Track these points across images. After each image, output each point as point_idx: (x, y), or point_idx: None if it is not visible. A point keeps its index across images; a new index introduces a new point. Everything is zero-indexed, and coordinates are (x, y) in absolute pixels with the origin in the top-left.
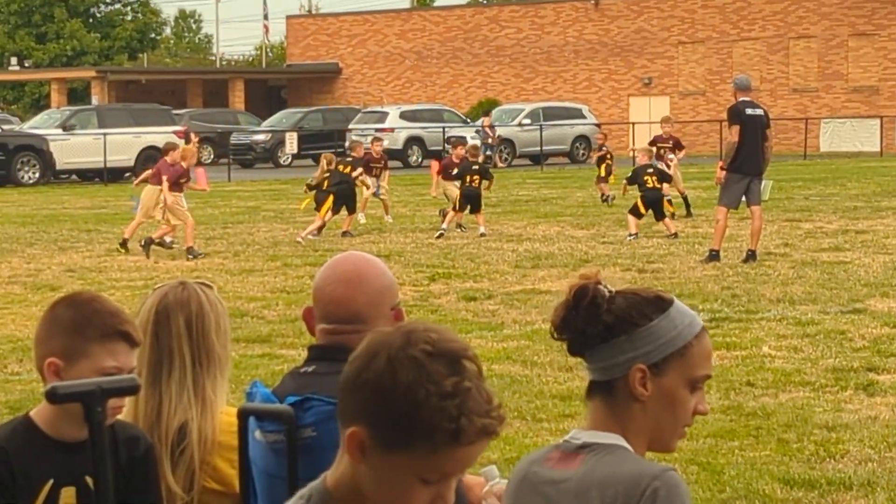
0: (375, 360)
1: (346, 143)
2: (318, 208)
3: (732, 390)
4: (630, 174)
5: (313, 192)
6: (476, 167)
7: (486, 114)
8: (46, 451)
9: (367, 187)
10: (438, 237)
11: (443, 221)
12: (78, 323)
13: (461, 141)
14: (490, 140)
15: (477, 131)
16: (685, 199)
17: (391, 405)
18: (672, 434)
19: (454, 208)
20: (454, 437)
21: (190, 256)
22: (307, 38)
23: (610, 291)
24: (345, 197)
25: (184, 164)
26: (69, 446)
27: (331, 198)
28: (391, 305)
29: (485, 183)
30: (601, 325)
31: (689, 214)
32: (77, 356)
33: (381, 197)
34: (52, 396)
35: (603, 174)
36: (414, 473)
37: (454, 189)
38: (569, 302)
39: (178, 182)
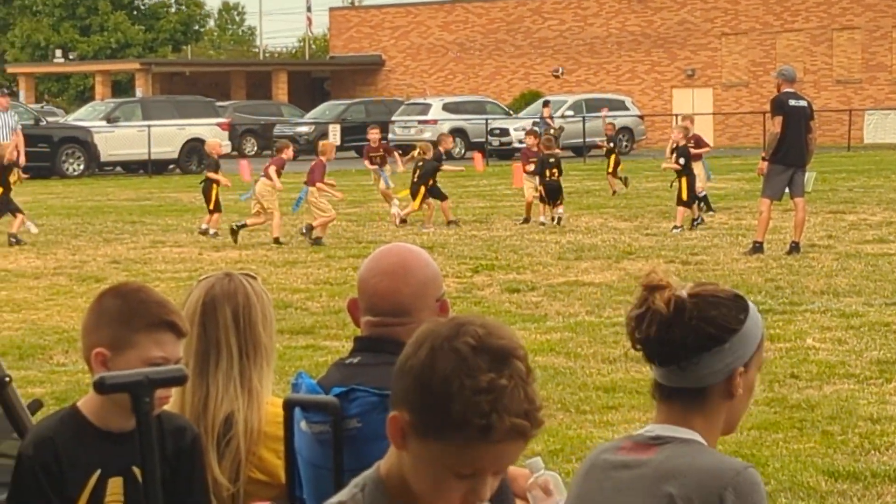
0: (421, 349)
1: (389, 135)
2: (413, 198)
3: (777, 382)
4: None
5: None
6: (552, 160)
7: (546, 104)
8: (93, 442)
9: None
10: (541, 224)
11: (540, 214)
12: (125, 313)
13: (534, 130)
14: (552, 131)
15: (535, 123)
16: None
17: (427, 394)
18: (741, 419)
19: (541, 200)
20: (483, 433)
21: (307, 238)
22: (350, 30)
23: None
24: (436, 190)
25: (323, 160)
26: (116, 437)
27: (423, 188)
28: (436, 297)
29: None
30: (704, 336)
31: (709, 209)
32: (124, 346)
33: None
34: (100, 387)
35: (611, 168)
36: (447, 465)
37: (530, 182)
38: (666, 316)
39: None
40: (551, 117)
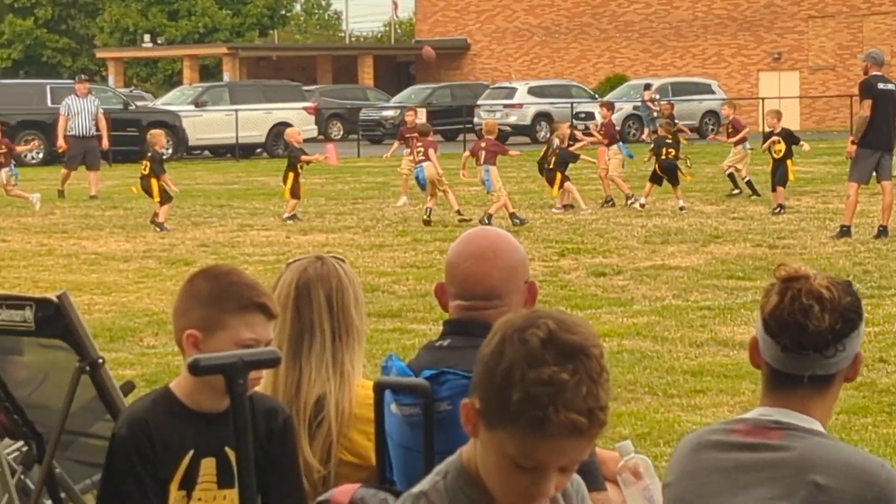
0: (494, 337)
1: (474, 118)
2: (550, 185)
3: (865, 367)
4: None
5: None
6: (669, 140)
7: (647, 88)
8: (186, 423)
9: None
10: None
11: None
12: (216, 295)
13: (607, 102)
14: (655, 114)
15: (636, 107)
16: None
17: (492, 381)
18: None
19: (651, 179)
20: (539, 425)
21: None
22: (435, 14)
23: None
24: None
25: (490, 138)
26: (209, 417)
27: (559, 175)
28: (524, 279)
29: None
30: (848, 322)
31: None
32: (215, 328)
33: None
34: (195, 368)
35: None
36: (509, 456)
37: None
38: (817, 305)
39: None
40: (653, 100)
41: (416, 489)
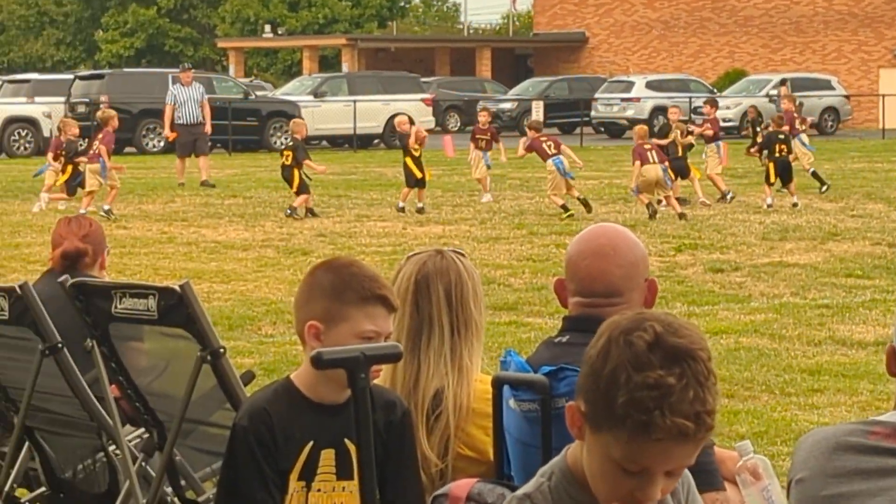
0: (600, 339)
1: (591, 112)
2: (684, 177)
3: None
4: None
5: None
6: (782, 136)
7: (783, 83)
8: (307, 414)
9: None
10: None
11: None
12: (337, 287)
13: (712, 100)
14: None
15: (772, 100)
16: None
17: (597, 384)
18: None
19: (766, 180)
20: (644, 429)
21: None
22: (554, 7)
23: None
24: (679, 170)
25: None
26: (329, 409)
27: (691, 166)
28: (644, 277)
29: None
30: None
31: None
32: (337, 319)
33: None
34: (317, 362)
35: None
36: (614, 459)
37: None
38: None
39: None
40: (788, 95)
41: (521, 491)
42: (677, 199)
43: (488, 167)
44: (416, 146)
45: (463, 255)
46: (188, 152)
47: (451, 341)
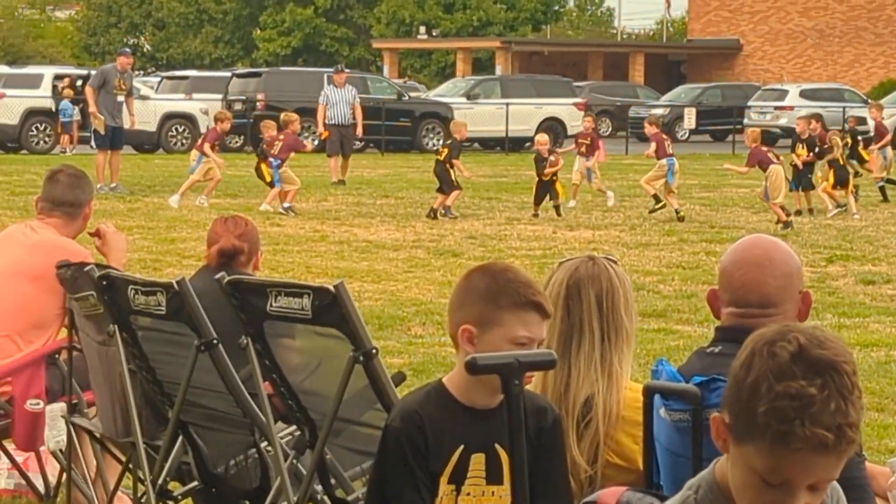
0: (745, 350)
1: (744, 119)
2: (844, 186)
3: None
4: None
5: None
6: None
7: None
8: (458, 417)
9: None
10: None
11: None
12: (492, 292)
13: (807, 117)
14: None
15: None
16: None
17: (739, 394)
18: None
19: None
20: (784, 440)
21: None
22: (709, 14)
23: None
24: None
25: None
26: (480, 413)
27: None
28: (799, 289)
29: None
30: None
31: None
32: (490, 324)
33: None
34: (472, 367)
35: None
36: (756, 470)
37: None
38: None
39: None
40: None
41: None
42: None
43: (585, 174)
44: (547, 173)
45: (615, 261)
46: (337, 151)
47: (601, 347)
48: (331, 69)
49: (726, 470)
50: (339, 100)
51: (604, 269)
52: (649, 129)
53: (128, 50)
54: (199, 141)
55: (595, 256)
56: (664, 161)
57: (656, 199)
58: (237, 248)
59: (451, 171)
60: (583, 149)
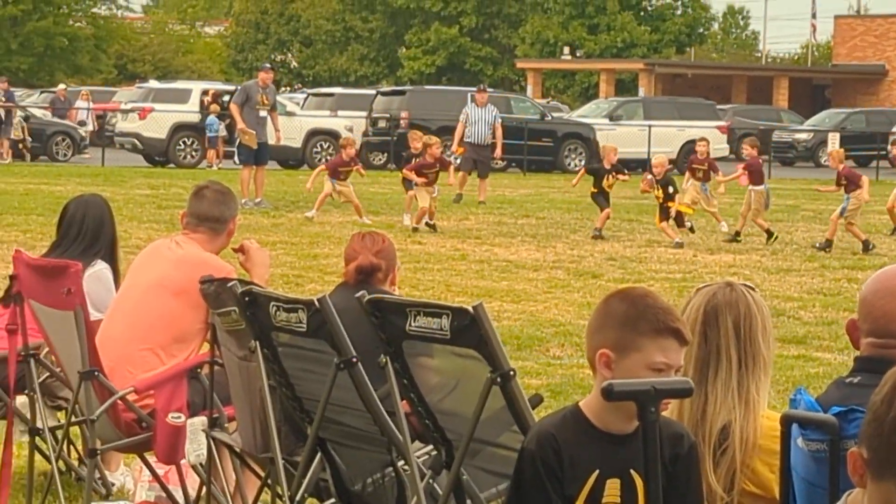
0: (885, 386)
1: (889, 145)
2: None
3: None
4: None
5: None
6: None
7: None
8: (594, 442)
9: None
10: None
11: None
12: (631, 317)
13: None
14: None
15: None
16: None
17: (879, 430)
18: None
19: None
20: None
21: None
22: (854, 39)
23: None
24: None
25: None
26: (615, 438)
27: None
28: None
29: None
30: None
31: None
32: (628, 350)
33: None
34: (608, 394)
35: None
36: None
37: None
38: None
39: None
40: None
41: None
42: None
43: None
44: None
45: (753, 288)
46: (469, 168)
47: (738, 375)
48: (474, 88)
49: (857, 501)
50: (478, 119)
51: (742, 295)
52: (749, 152)
53: (268, 65)
54: (325, 165)
55: (733, 283)
56: (761, 188)
57: (769, 233)
58: (374, 266)
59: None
60: (699, 174)
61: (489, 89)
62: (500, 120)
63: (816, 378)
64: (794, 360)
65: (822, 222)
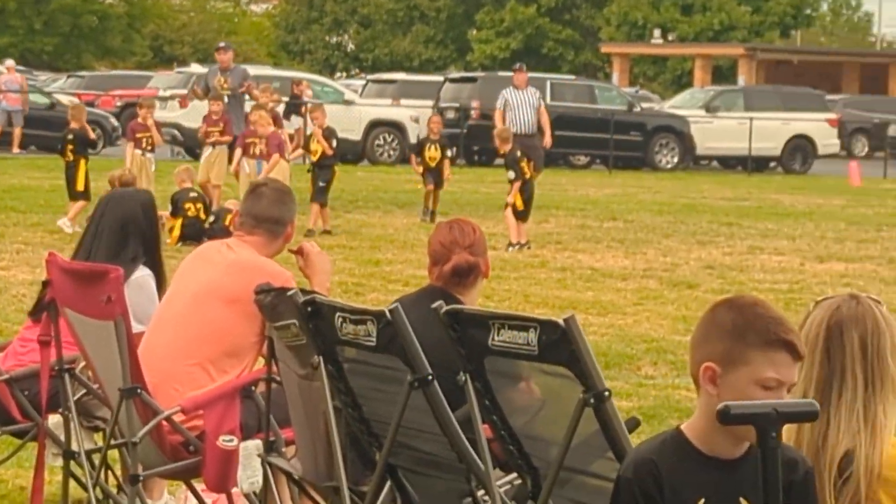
0: None
1: None
2: None
3: None
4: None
5: None
6: None
7: None
8: (699, 468)
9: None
10: None
11: None
12: (739, 327)
13: None
14: None
15: None
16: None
17: None
18: None
19: None
20: None
21: None
22: None
23: None
24: None
25: None
26: (722, 464)
27: None
28: None
29: None
30: None
31: None
32: (736, 363)
33: None
34: (724, 416)
35: None
36: None
37: None
38: None
39: None
40: None
41: None
42: None
43: None
44: None
45: (880, 301)
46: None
47: (864, 396)
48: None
49: None
50: (519, 103)
51: (869, 309)
52: None
53: (223, 44)
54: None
55: (859, 295)
56: None
57: None
58: (472, 266)
59: None
60: None
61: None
62: (543, 103)
63: None
64: None
65: None
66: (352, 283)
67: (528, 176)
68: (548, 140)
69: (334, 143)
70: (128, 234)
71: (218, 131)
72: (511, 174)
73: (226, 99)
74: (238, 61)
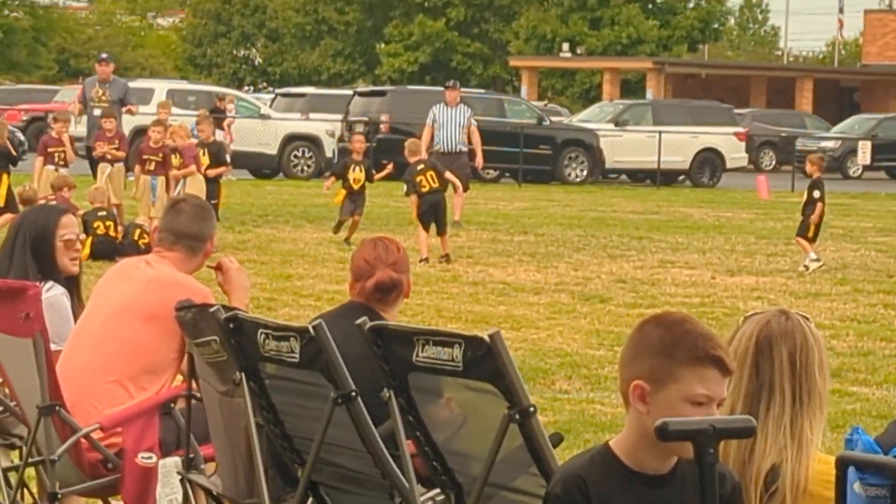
0: None
1: None
2: None
3: None
4: None
5: None
6: None
7: None
8: (625, 484)
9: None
10: None
11: None
12: (668, 344)
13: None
14: None
15: None
16: None
17: None
18: None
19: None
20: None
21: None
22: (886, 36)
23: None
24: None
25: None
26: (651, 479)
27: None
28: None
29: None
30: None
31: None
32: (665, 380)
33: None
34: (662, 433)
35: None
36: None
37: None
38: None
39: None
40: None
41: None
42: None
43: None
44: None
45: (808, 318)
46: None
47: (791, 411)
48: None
49: None
50: (448, 120)
51: (798, 325)
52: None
53: (104, 55)
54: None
55: (788, 311)
56: None
57: None
58: (395, 282)
59: None
60: None
61: (479, 90)
62: (474, 122)
63: (853, 415)
64: (830, 394)
65: (854, 241)
66: (264, 299)
67: (425, 189)
68: (479, 160)
69: (228, 159)
70: (38, 251)
71: (114, 148)
72: (404, 188)
73: (96, 111)
74: (145, 75)
